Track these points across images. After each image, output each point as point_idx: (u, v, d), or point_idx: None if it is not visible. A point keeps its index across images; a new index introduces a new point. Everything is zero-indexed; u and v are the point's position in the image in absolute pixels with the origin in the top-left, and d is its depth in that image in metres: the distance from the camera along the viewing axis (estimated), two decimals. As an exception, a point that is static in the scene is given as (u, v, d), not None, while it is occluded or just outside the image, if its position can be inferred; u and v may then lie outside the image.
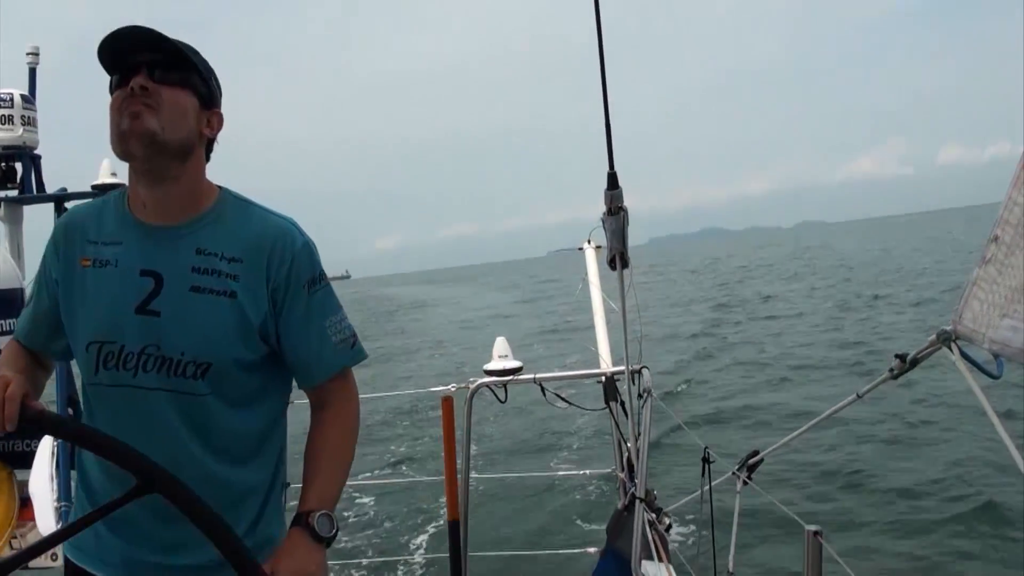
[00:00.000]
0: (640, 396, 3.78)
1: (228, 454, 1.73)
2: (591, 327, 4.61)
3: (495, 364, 4.14)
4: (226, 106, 1.80)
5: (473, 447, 4.64)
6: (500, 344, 4.21)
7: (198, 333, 1.66)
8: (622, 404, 3.94)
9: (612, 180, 2.83)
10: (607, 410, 4.09)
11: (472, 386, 4.20)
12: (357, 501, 9.83)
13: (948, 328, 2.13)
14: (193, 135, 1.69)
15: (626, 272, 3.13)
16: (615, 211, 2.89)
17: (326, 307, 1.79)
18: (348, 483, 1.82)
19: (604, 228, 2.96)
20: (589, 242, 4.70)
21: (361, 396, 1.90)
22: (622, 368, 3.77)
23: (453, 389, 4.31)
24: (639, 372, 3.81)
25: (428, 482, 8.19)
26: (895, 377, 2.50)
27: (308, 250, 1.77)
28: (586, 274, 4.71)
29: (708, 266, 77.34)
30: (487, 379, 4.14)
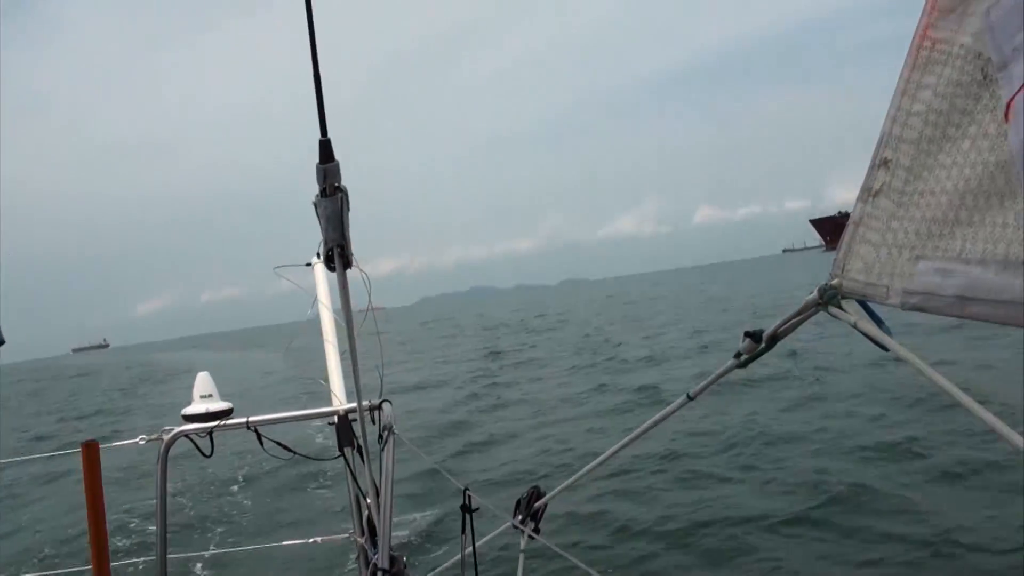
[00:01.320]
0: (380, 436, 3.23)
1: None
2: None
3: (196, 407, 3.36)
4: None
5: (171, 513, 3.68)
6: (202, 381, 3.41)
7: None
8: (359, 449, 3.37)
9: (325, 150, 2.09)
10: (341, 457, 3.47)
11: (167, 436, 3.38)
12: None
13: (832, 284, 1.73)
14: None
15: (351, 274, 2.43)
16: (331, 191, 2.18)
17: None
18: None
19: (317, 214, 2.25)
20: (319, 255, 4.04)
21: None
22: (355, 405, 3.13)
23: (142, 442, 3.49)
24: (379, 408, 3.32)
25: None
26: (743, 364, 2.08)
27: None
28: (315, 294, 3.89)
29: (474, 323, 78.14)
30: (186, 427, 3.38)
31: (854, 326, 1.71)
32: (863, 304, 1.73)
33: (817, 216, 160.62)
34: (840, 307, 1.74)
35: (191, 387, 3.39)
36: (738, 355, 2.08)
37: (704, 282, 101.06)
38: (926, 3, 1.54)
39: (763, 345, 2.00)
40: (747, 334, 2.02)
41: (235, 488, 12.65)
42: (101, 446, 3.21)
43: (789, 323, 1.90)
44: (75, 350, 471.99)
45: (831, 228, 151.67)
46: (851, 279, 1.71)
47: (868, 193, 1.64)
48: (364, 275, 2.53)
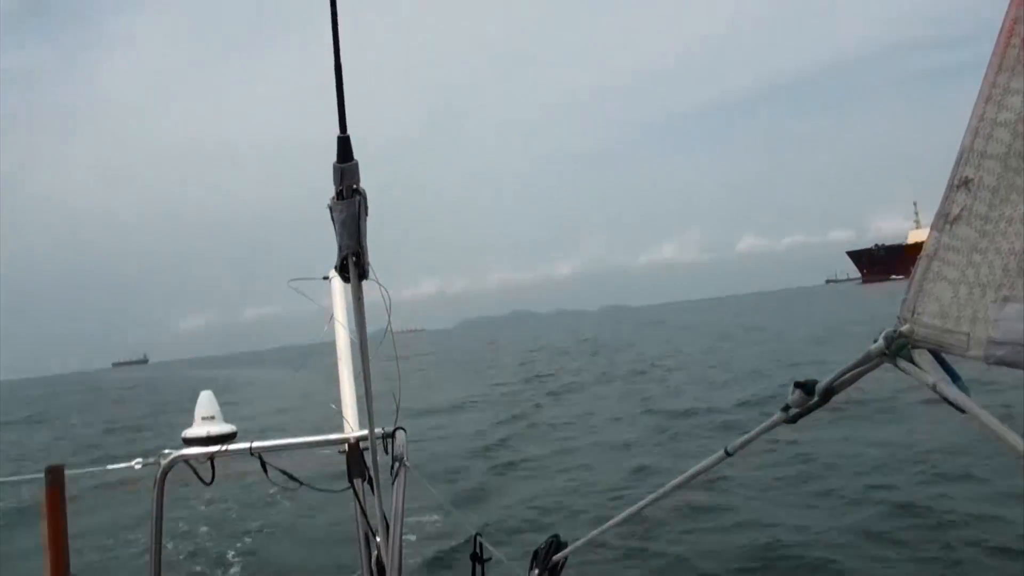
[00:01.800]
0: (392, 468, 3.06)
1: None
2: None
3: (197, 429, 3.21)
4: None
5: (168, 543, 3.52)
6: (205, 401, 3.26)
7: None
8: (370, 481, 3.13)
9: (343, 147, 1.87)
10: (351, 489, 3.26)
11: (164, 461, 3.23)
12: None
13: (902, 331, 1.46)
14: None
15: (367, 286, 2.17)
16: (348, 193, 1.96)
17: None
18: None
19: (332, 219, 2.03)
20: (337, 269, 3.40)
21: None
22: (367, 432, 2.93)
23: (137, 466, 3.32)
24: (391, 436, 3.13)
25: None
26: (792, 419, 1.81)
27: None
28: (332, 310, 3.56)
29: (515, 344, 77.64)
30: (185, 450, 3.23)
31: (933, 387, 1.42)
32: (937, 356, 1.46)
33: (855, 248, 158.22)
34: (911, 359, 1.46)
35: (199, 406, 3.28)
36: (786, 408, 1.81)
37: (741, 313, 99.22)
38: None
39: (816, 399, 1.73)
40: (798, 385, 1.75)
41: (235, 518, 11.97)
42: (94, 470, 3.12)
43: (848, 375, 1.62)
44: (115, 364, 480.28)
45: (868, 261, 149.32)
46: (924, 325, 1.43)
47: (945, 219, 1.38)
48: (383, 290, 2.29)
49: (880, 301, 62.29)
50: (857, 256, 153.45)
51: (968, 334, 1.35)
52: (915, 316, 1.45)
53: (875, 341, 1.52)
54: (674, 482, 2.31)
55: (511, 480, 13.23)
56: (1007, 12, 1.31)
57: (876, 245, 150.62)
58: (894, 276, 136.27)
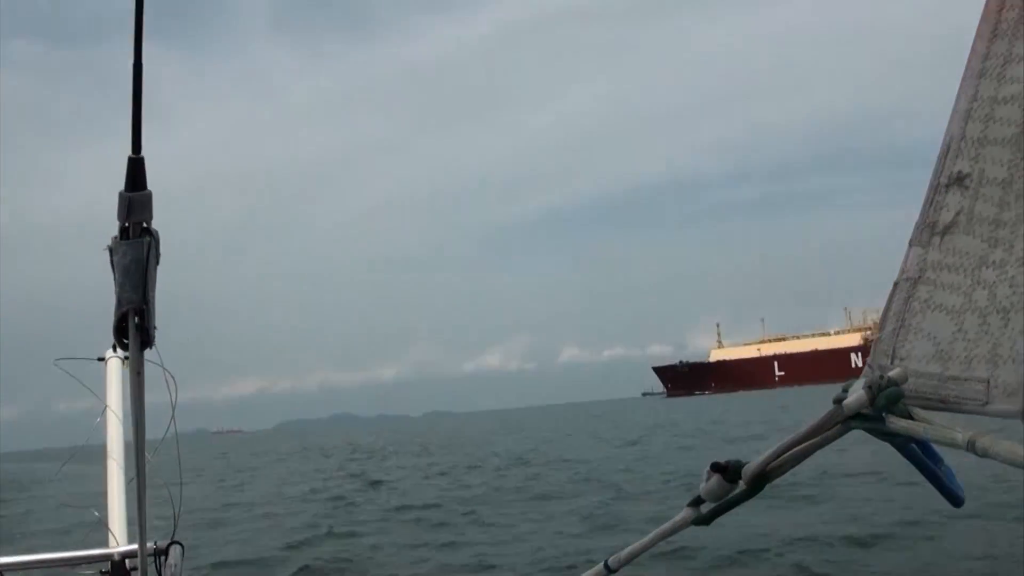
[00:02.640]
0: None
1: None
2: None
3: None
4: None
5: None
6: None
7: None
8: None
9: (135, 172, 1.50)
10: None
11: None
12: None
13: (890, 376, 1.10)
14: None
15: (151, 358, 1.75)
16: (136, 232, 1.57)
17: None
18: None
19: (112, 264, 1.61)
20: (115, 348, 2.11)
21: None
22: (136, 547, 2.47)
23: None
24: (164, 553, 2.70)
25: None
26: (706, 519, 1.42)
27: None
28: (106, 399, 3.09)
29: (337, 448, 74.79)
30: None
31: (969, 445, 1.03)
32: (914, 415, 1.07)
33: (659, 364, 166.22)
34: (908, 415, 1.08)
35: None
36: (696, 502, 1.41)
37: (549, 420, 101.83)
38: None
39: (741, 487, 1.30)
40: (716, 468, 1.33)
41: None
42: None
43: (793, 450, 1.22)
44: None
45: (672, 376, 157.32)
46: (918, 373, 1.07)
47: (931, 231, 1.08)
48: (167, 374, 1.92)
49: (684, 410, 66.21)
50: (662, 371, 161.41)
51: (987, 381, 0.98)
52: (899, 361, 1.08)
53: (839, 402, 1.12)
54: None
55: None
56: None
57: (680, 362, 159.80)
58: (696, 392, 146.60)
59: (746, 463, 1.30)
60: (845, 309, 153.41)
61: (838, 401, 1.13)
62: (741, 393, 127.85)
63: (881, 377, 1.06)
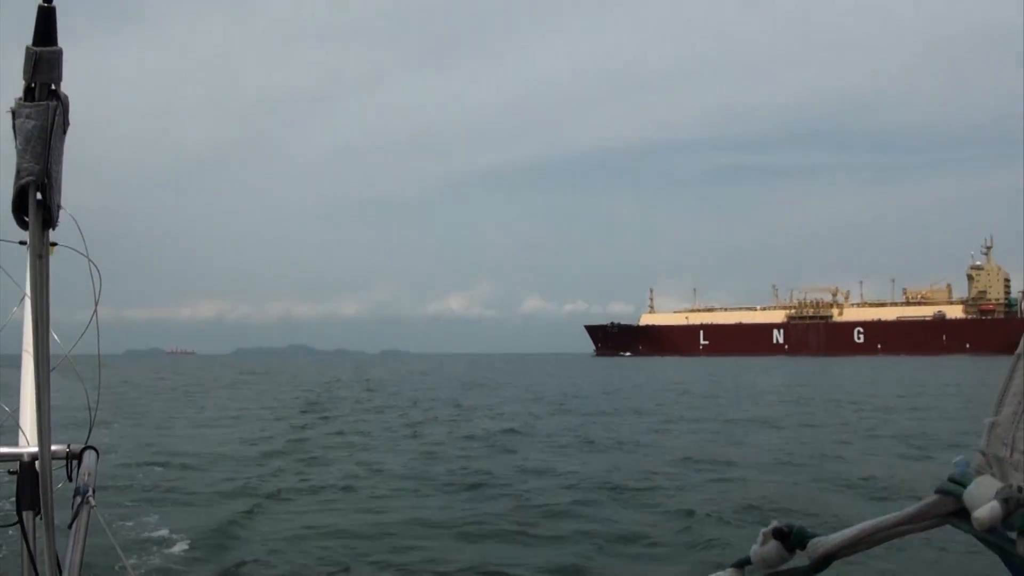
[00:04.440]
0: (73, 502, 2.43)
1: None
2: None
3: None
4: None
5: None
6: None
7: None
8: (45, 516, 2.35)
9: (45, 23, 1.26)
10: (18, 525, 2.52)
11: None
12: None
13: (991, 456, 0.92)
14: None
15: (55, 239, 1.60)
16: (41, 94, 1.35)
17: None
18: None
19: (13, 128, 1.39)
20: (12, 204, 1.73)
21: None
22: (48, 448, 2.18)
23: None
24: (77, 457, 2.52)
25: None
26: None
27: None
28: (26, 287, 2.22)
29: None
30: None
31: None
32: None
33: (593, 323, 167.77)
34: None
35: None
36: (743, 563, 1.17)
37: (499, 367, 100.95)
38: None
39: (803, 559, 1.10)
40: (777, 534, 1.11)
41: None
42: None
43: (878, 534, 1.04)
44: None
45: (602, 336, 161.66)
46: None
47: None
48: (92, 265, 1.76)
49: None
50: (593, 331, 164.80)
51: None
52: (1019, 455, 0.91)
53: (945, 492, 0.99)
54: None
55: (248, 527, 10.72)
56: None
57: (611, 323, 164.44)
58: (622, 353, 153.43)
59: (813, 534, 1.07)
60: (773, 286, 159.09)
61: (945, 492, 0.97)
62: (667, 358, 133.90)
63: (1020, 491, 0.87)
